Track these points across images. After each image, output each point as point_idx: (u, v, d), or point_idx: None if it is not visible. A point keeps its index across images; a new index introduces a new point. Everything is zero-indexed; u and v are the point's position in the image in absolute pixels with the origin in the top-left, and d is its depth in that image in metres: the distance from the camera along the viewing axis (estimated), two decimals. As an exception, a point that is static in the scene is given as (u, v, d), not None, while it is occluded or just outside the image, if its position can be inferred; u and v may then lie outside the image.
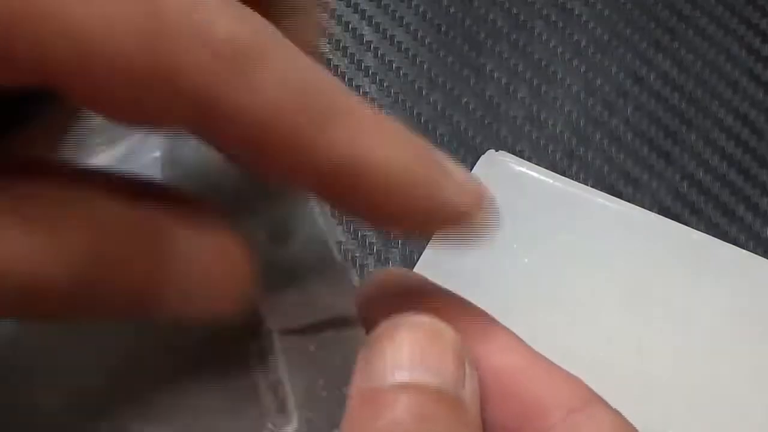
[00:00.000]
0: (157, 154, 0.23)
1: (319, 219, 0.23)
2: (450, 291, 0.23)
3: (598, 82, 0.50)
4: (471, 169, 0.43)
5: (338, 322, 0.22)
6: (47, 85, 0.18)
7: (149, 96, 0.18)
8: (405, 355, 0.20)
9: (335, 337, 0.22)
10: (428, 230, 0.21)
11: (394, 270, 0.33)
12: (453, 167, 0.21)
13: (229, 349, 0.22)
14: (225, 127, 0.19)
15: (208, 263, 0.20)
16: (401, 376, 0.20)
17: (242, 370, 0.22)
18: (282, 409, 0.21)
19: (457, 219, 0.21)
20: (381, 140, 0.20)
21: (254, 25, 0.19)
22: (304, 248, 0.22)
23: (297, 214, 0.22)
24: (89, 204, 0.19)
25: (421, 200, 0.20)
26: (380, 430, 0.19)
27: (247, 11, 0.19)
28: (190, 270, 0.20)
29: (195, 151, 0.23)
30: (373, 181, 0.20)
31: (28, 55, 0.17)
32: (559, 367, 0.22)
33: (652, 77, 0.50)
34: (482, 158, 0.43)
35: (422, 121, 0.49)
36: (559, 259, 0.41)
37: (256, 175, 0.20)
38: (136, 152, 0.24)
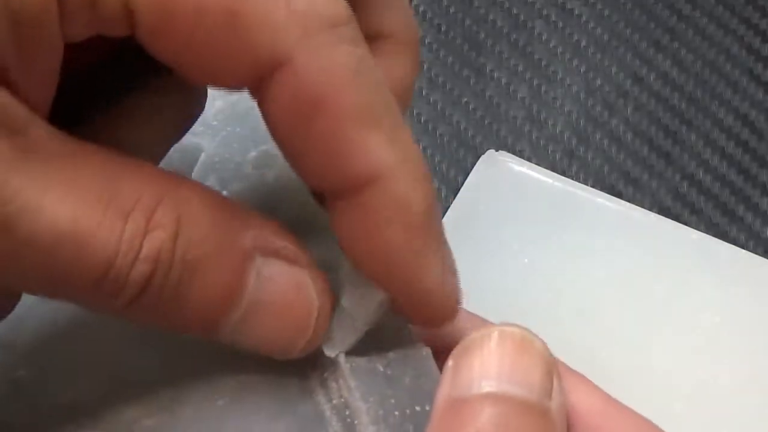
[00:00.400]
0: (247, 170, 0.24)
1: None
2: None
3: (598, 82, 0.50)
4: (471, 169, 0.43)
5: (396, 338, 0.22)
6: (125, 35, 0.18)
7: (223, 45, 0.18)
8: (493, 365, 0.20)
9: (403, 356, 0.22)
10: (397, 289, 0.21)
11: None
12: (451, 258, 0.21)
13: (288, 376, 0.22)
14: (284, 88, 0.19)
15: (280, 294, 0.20)
16: (488, 385, 0.19)
17: (305, 397, 0.22)
18: (350, 430, 0.21)
19: (425, 311, 0.21)
20: (409, 174, 0.20)
21: (347, 10, 0.19)
22: (352, 273, 0.22)
23: None
24: (184, 201, 0.19)
25: (409, 260, 0.20)
26: None
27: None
28: (261, 296, 0.20)
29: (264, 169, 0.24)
30: (384, 208, 0.20)
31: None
32: (633, 411, 0.21)
33: (652, 77, 0.50)
34: (482, 158, 0.43)
35: (422, 121, 0.49)
36: (559, 259, 0.41)
37: (312, 191, 0.20)
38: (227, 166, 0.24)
